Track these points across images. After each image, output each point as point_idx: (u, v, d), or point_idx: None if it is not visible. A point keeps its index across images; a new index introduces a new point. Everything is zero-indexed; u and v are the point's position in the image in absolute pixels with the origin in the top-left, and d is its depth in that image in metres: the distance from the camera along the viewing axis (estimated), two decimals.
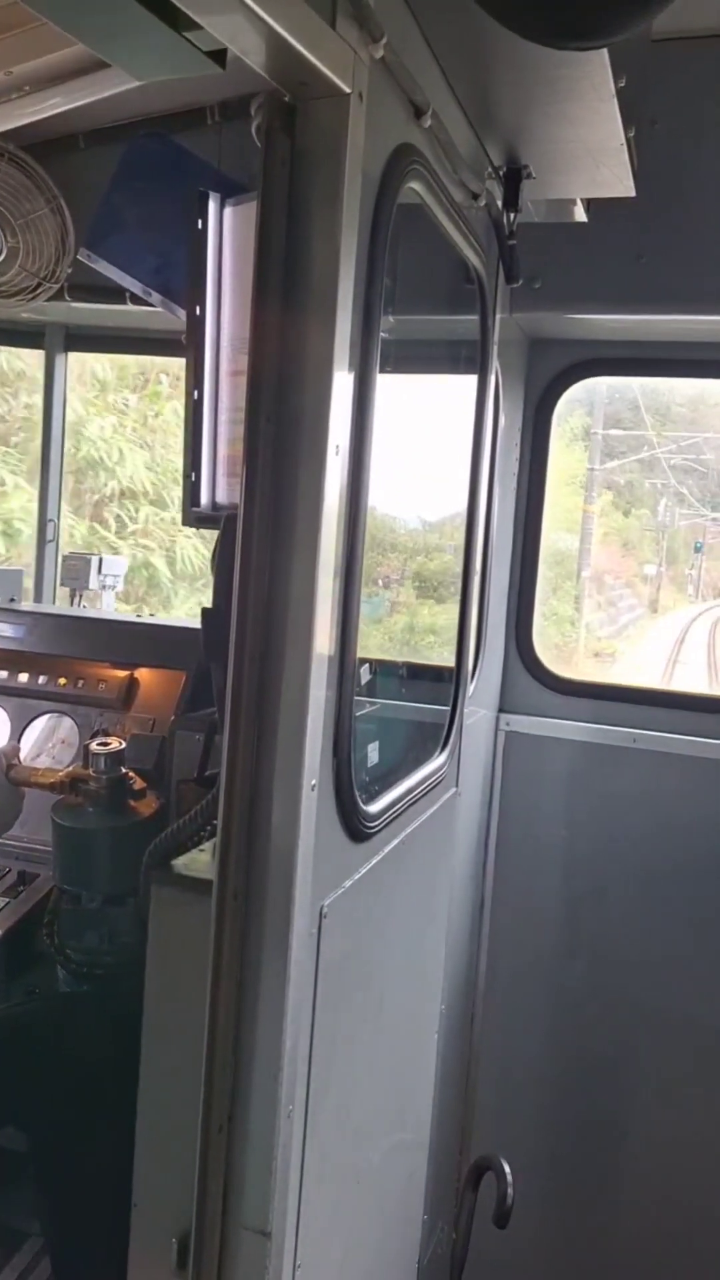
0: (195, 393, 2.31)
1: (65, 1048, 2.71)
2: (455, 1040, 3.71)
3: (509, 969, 3.98)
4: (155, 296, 3.23)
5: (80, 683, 3.26)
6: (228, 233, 2.29)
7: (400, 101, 1.95)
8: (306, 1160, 1.95)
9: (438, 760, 2.78)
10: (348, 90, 1.66)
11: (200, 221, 2.27)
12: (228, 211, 2.29)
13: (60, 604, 4.15)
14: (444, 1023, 3.12)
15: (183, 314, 2.36)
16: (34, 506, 4.39)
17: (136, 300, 3.35)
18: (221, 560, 1.98)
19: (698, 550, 25.58)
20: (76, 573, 3.96)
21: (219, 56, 1.75)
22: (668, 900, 3.77)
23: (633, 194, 2.74)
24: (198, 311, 2.29)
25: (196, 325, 2.29)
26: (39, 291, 3.43)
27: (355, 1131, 2.34)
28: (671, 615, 24.07)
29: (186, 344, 2.31)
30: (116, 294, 3.39)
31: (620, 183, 2.68)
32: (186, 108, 3.24)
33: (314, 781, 1.80)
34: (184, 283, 2.34)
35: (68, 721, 3.26)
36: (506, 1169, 3.14)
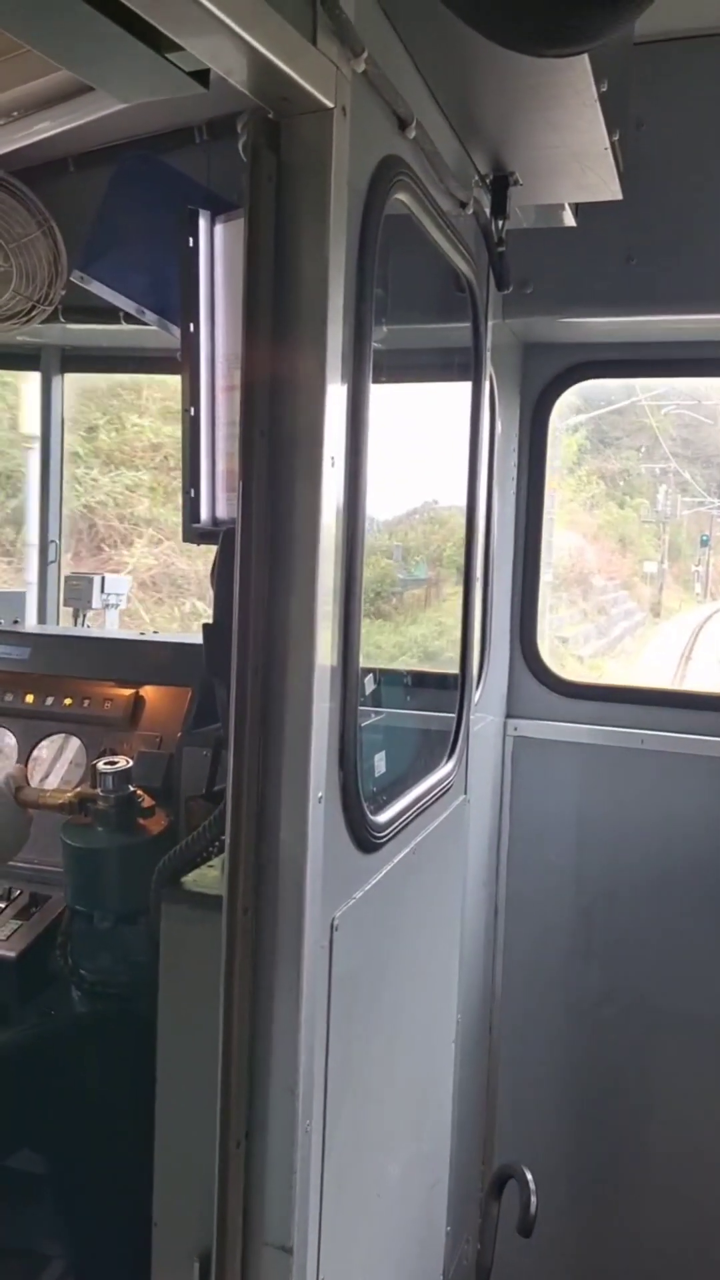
0: (191, 409, 2.32)
1: (81, 1069, 2.71)
2: (473, 1049, 3.70)
3: (525, 975, 3.97)
4: (149, 315, 3.24)
5: (86, 702, 3.26)
6: (219, 249, 2.30)
7: (384, 114, 1.95)
8: (326, 1174, 1.94)
9: (445, 768, 2.77)
10: (331, 105, 1.67)
11: (191, 239, 2.28)
12: (218, 228, 2.30)
13: (64, 624, 4.16)
14: (461, 1031, 3.11)
15: (177, 331, 2.37)
16: None
17: (131, 319, 3.37)
18: (222, 575, 1.99)
19: (704, 544, 22.99)
20: (79, 593, 3.97)
21: (202, 76, 1.77)
22: (683, 901, 3.75)
23: (620, 197, 2.75)
24: (191, 328, 2.30)
25: (191, 342, 2.30)
26: (33, 314, 3.45)
27: (374, 1144, 2.33)
28: (679, 618, 21.82)
29: (181, 361, 2.32)
30: (111, 314, 3.40)
31: (607, 186, 2.69)
32: (174, 128, 3.26)
33: (320, 793, 1.80)
34: (177, 300, 2.35)
35: (75, 742, 3.26)
36: (529, 1177, 3.12)
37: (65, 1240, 2.88)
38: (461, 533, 2.95)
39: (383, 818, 2.20)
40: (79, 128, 2.73)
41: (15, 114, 2.66)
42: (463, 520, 2.94)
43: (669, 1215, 3.84)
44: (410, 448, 2.99)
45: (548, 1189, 3.28)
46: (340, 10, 1.64)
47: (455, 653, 2.97)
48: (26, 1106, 2.65)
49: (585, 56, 2.00)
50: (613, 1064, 3.90)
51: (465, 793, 2.99)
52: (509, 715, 3.92)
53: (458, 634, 2.97)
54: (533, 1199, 3.08)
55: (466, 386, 2.87)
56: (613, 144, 2.44)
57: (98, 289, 3.22)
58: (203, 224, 2.27)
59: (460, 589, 2.97)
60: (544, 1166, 3.32)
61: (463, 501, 2.93)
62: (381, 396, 1.99)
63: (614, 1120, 3.91)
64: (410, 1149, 2.63)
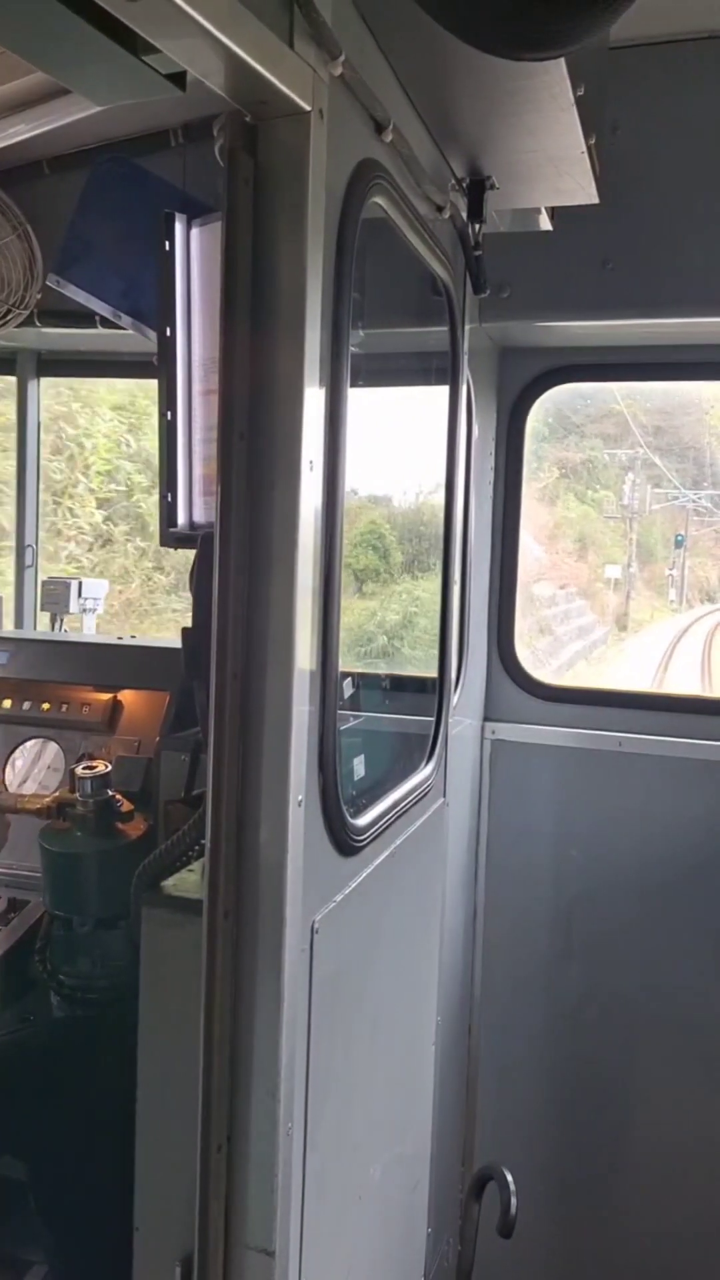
0: (168, 413, 2.31)
1: (61, 1074, 2.69)
2: (453, 1051, 3.71)
3: (505, 977, 3.98)
4: (125, 319, 3.24)
5: (64, 707, 3.25)
6: (195, 253, 2.29)
7: (361, 117, 1.96)
8: (308, 1177, 1.94)
9: (424, 771, 2.78)
10: (308, 108, 1.67)
11: (167, 243, 2.27)
12: (194, 232, 2.29)
13: (41, 629, 4.14)
14: (441, 1033, 3.12)
15: (153, 336, 2.37)
16: None
17: (107, 324, 3.36)
18: (200, 579, 1.98)
19: (679, 545, 19.84)
20: (57, 597, 3.96)
21: (179, 79, 1.76)
22: (661, 902, 3.77)
23: (596, 201, 2.77)
24: (168, 332, 2.29)
25: (167, 346, 2.29)
26: (9, 318, 3.43)
27: (355, 1146, 2.33)
28: (650, 630, 18.55)
29: (158, 365, 2.32)
30: (87, 318, 3.40)
31: (583, 190, 2.71)
32: (150, 130, 3.26)
33: (300, 797, 1.80)
34: (153, 304, 2.34)
35: (53, 746, 3.24)
36: (509, 1178, 3.13)
37: (47, 1246, 2.86)
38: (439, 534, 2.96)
39: (362, 821, 2.20)
40: (54, 130, 2.73)
41: None
42: (439, 522, 2.95)
43: (649, 1216, 3.86)
44: (388, 451, 3.00)
45: (528, 1190, 3.28)
46: (317, 14, 1.64)
47: (433, 654, 2.98)
48: (7, 1112, 2.63)
49: (562, 61, 2.02)
50: (593, 1065, 3.92)
51: (444, 796, 3.00)
52: (487, 719, 3.93)
53: (435, 635, 2.98)
54: (513, 1200, 3.08)
55: (444, 390, 2.88)
56: (589, 148, 2.46)
57: (73, 293, 3.21)
58: (179, 227, 2.27)
59: (438, 590, 2.98)
60: (524, 1168, 3.33)
61: (439, 503, 2.94)
62: (360, 400, 1.99)
63: (594, 1121, 3.93)
64: (391, 1150, 2.63)
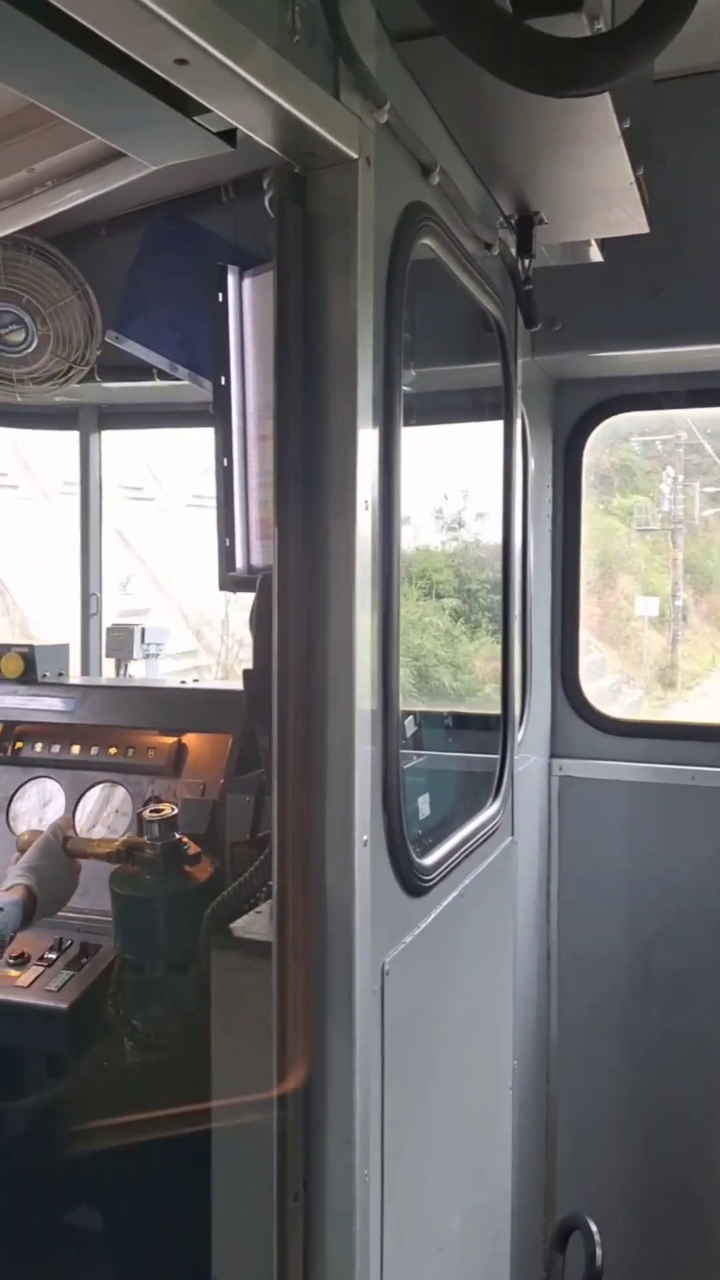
0: (225, 460, 2.35)
1: (136, 1121, 2.69)
2: (531, 1096, 3.63)
3: (581, 1019, 3.89)
4: (182, 371, 3.31)
5: (130, 751, 3.28)
6: (248, 304, 2.34)
7: (407, 162, 1.99)
8: (386, 1226, 1.90)
9: (491, 809, 2.75)
10: (355, 156, 1.70)
11: (220, 295, 2.32)
12: (246, 283, 2.34)
13: (107, 675, 4.20)
14: (518, 1077, 3.05)
15: (209, 385, 2.41)
16: None
17: (164, 376, 3.43)
18: (260, 621, 2.00)
19: None
20: (121, 644, 4.01)
21: (229, 136, 1.81)
22: None
23: (647, 230, 2.77)
24: (223, 381, 2.34)
25: (223, 395, 2.34)
26: (70, 375, 3.53)
27: (434, 1194, 2.28)
28: (710, 684, 12.60)
29: (214, 414, 2.36)
30: (144, 371, 3.48)
31: (633, 221, 2.71)
32: (200, 188, 3.34)
33: (366, 837, 1.79)
34: (208, 355, 2.39)
35: (120, 791, 3.27)
36: (594, 1228, 3.04)
37: None
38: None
39: (429, 861, 2.18)
40: (110, 193, 2.81)
41: (49, 183, 2.74)
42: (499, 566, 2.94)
43: None
44: (445, 489, 3.00)
45: (613, 1240, 3.18)
46: (361, 64, 1.68)
47: (497, 691, 2.96)
48: (82, 1161, 2.63)
49: (606, 95, 2.03)
50: (676, 1109, 3.80)
51: (512, 834, 2.96)
52: (553, 755, 3.88)
53: (498, 673, 2.96)
54: (598, 1251, 2.99)
55: (498, 426, 2.89)
56: (637, 179, 2.46)
57: (131, 348, 3.30)
58: (231, 280, 2.32)
59: (499, 629, 2.97)
60: (608, 1217, 3.23)
61: (498, 544, 2.93)
62: (415, 438, 2.00)
63: (680, 1167, 3.80)
64: (471, 1199, 2.57)
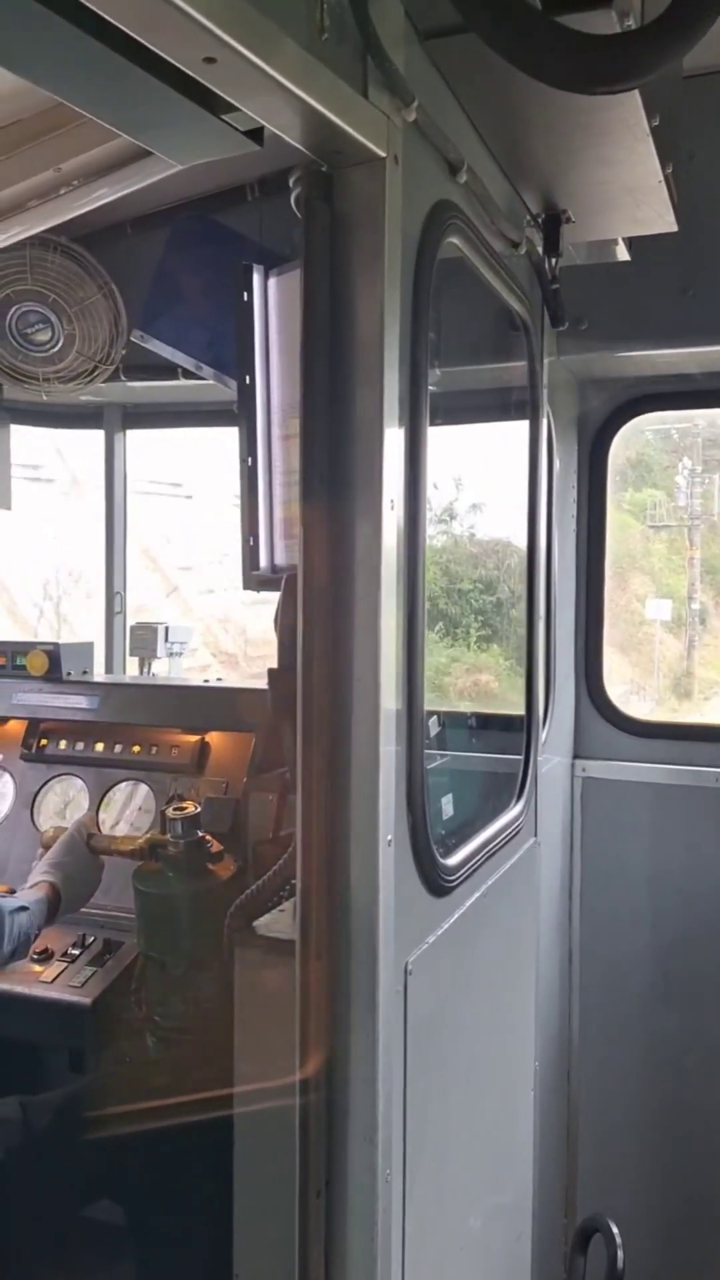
0: (249, 460, 2.35)
1: (158, 1116, 2.70)
2: (552, 1098, 3.61)
3: (603, 1021, 3.87)
4: (206, 370, 3.31)
5: (154, 749, 3.29)
6: (273, 303, 2.34)
7: (435, 160, 1.99)
8: (408, 1225, 1.90)
9: (514, 810, 2.74)
10: (382, 155, 1.70)
11: (246, 294, 2.33)
12: (271, 282, 2.34)
13: (130, 673, 4.21)
14: (539, 1079, 3.04)
15: (233, 385, 2.41)
16: None
17: (189, 375, 3.44)
18: (284, 621, 2.00)
19: None
20: (145, 642, 4.02)
21: (256, 135, 1.81)
22: None
23: (675, 229, 2.75)
24: (248, 380, 2.34)
25: (247, 394, 2.34)
26: (95, 374, 3.54)
27: (456, 1194, 2.28)
28: None
29: (238, 413, 2.36)
30: (169, 371, 3.49)
31: (661, 219, 2.69)
32: (226, 187, 3.34)
33: (389, 836, 1.79)
34: (232, 355, 2.39)
35: (144, 788, 3.29)
36: (615, 1231, 3.02)
37: None
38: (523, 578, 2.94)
39: (452, 861, 2.17)
40: (136, 192, 2.82)
41: (76, 182, 2.75)
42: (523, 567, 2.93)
43: None
44: (471, 489, 3.00)
45: (634, 1243, 3.16)
46: (390, 62, 1.67)
47: (521, 691, 2.95)
48: (105, 1156, 2.64)
49: (635, 92, 2.01)
50: (698, 1112, 3.78)
51: (535, 835, 2.95)
52: (577, 756, 3.86)
53: (522, 673, 2.95)
54: (619, 1253, 2.98)
55: (524, 425, 2.87)
56: (666, 177, 2.44)
57: (157, 347, 3.30)
58: (256, 279, 2.32)
59: (524, 629, 2.96)
60: (629, 1220, 3.21)
61: (522, 544, 2.92)
62: (440, 438, 2.00)
63: (701, 1170, 3.78)
64: (492, 1200, 2.56)
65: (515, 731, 2.94)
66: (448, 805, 2.45)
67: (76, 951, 2.97)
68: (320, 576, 1.75)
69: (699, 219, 2.99)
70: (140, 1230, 2.77)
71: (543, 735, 3.18)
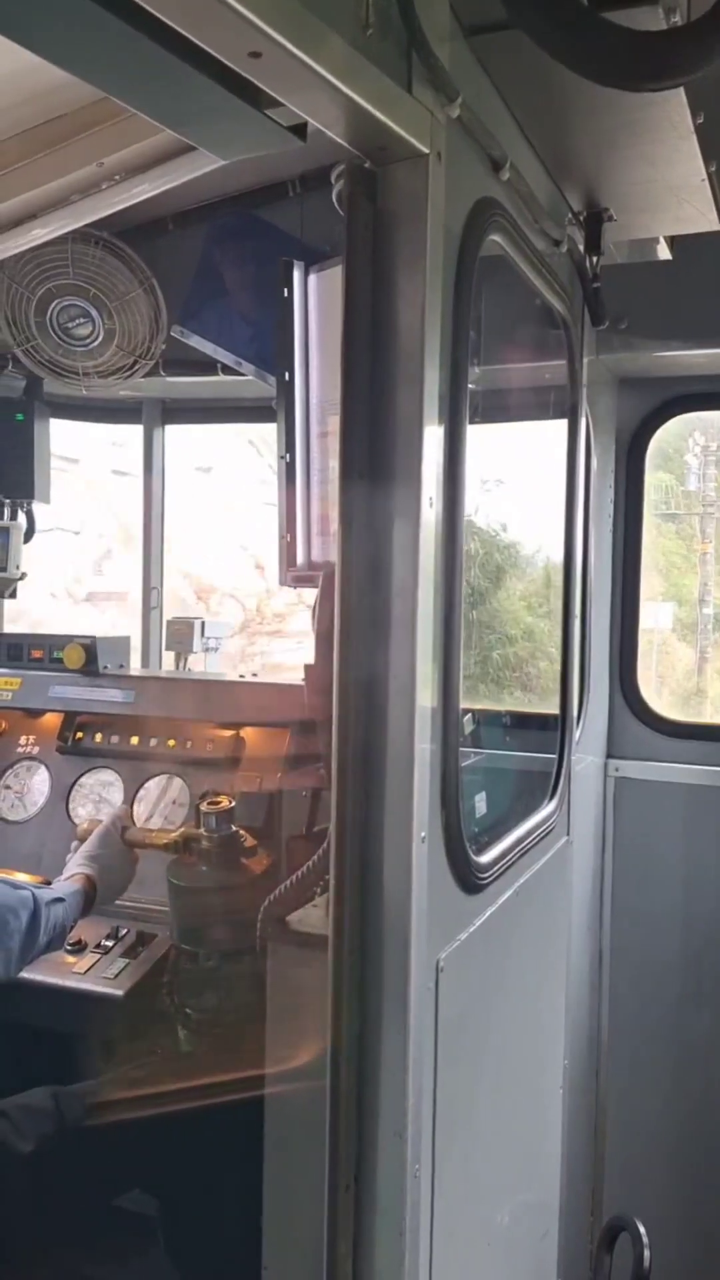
0: (287, 455, 2.36)
1: (190, 1108, 2.71)
2: (580, 1095, 3.60)
3: (633, 1022, 3.86)
4: (246, 366, 3.32)
5: (189, 743, 3.31)
6: (313, 299, 2.35)
7: (478, 157, 1.98)
8: (436, 1220, 1.90)
9: (547, 808, 2.74)
10: (426, 151, 1.70)
11: (286, 290, 2.33)
12: (312, 279, 2.35)
13: (166, 668, 4.24)
14: (568, 1077, 3.04)
15: (273, 381, 2.42)
16: None
17: (228, 371, 3.45)
18: (322, 617, 2.00)
19: None
20: (181, 637, 4.04)
21: (300, 130, 1.81)
22: None
23: (717, 228, 2.73)
24: (287, 377, 2.35)
25: (286, 390, 2.35)
26: (135, 369, 3.55)
27: (484, 1191, 2.28)
28: None
29: (277, 409, 2.37)
30: (209, 366, 3.50)
31: (704, 217, 2.67)
32: (267, 183, 3.34)
33: (423, 833, 1.79)
34: (272, 351, 2.40)
35: (178, 782, 3.31)
36: (642, 1230, 3.01)
37: None
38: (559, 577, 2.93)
39: (485, 859, 2.17)
40: (177, 188, 2.83)
41: (118, 177, 2.76)
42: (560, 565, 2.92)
43: None
44: (509, 487, 2.99)
45: (660, 1242, 3.15)
46: (435, 58, 1.67)
47: (555, 690, 2.94)
48: (138, 1147, 2.66)
49: (680, 90, 2.00)
50: None
51: (568, 834, 2.94)
52: (610, 755, 3.85)
53: (557, 672, 2.94)
54: (646, 1253, 2.96)
55: (562, 424, 2.86)
56: (709, 175, 2.43)
57: (197, 343, 3.31)
58: (297, 275, 2.32)
59: (560, 628, 2.95)
60: (656, 1219, 3.19)
61: (559, 543, 2.91)
62: (479, 436, 2.00)
63: None
64: (520, 1197, 2.56)
65: (549, 730, 2.94)
66: (481, 803, 2.45)
67: (110, 943, 2.99)
68: (358, 573, 1.75)
69: None
70: (171, 1220, 2.79)
71: (576, 734, 3.17)
